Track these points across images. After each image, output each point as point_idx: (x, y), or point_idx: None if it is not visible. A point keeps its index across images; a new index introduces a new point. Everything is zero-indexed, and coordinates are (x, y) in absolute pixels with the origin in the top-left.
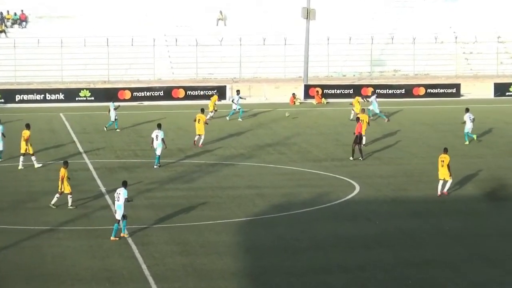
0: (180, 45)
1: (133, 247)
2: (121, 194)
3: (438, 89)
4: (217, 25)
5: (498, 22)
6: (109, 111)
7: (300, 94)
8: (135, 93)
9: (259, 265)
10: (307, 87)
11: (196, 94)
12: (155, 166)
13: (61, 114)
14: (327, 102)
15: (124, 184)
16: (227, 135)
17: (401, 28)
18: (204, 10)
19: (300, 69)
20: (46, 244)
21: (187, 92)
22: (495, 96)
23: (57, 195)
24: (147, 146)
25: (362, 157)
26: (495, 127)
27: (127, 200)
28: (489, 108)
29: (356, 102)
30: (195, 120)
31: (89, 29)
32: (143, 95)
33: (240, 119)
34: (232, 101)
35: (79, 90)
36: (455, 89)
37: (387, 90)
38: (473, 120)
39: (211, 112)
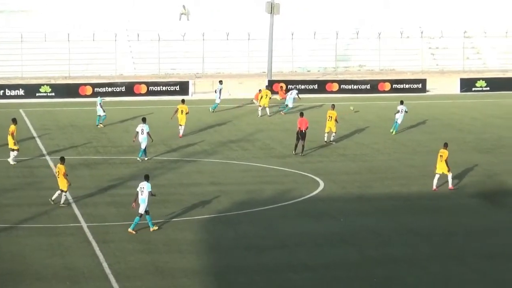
0: (142, 40)
1: (94, 244)
2: (145, 188)
3: (404, 85)
4: (180, 20)
5: (464, 17)
6: (97, 106)
7: None
8: (96, 89)
9: (222, 263)
10: (271, 83)
11: (158, 89)
12: (138, 159)
13: (21, 110)
14: None
15: (147, 178)
16: (189, 132)
17: (366, 23)
18: (167, 5)
19: (264, 64)
20: (4, 242)
21: (149, 87)
22: (461, 91)
23: (58, 192)
24: (108, 143)
25: (302, 153)
26: (462, 122)
27: (151, 194)
28: (455, 103)
29: (265, 95)
30: (176, 112)
31: (49, 24)
32: (104, 90)
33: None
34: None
35: (40, 85)
36: (420, 85)
37: (352, 85)
38: (403, 112)
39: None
